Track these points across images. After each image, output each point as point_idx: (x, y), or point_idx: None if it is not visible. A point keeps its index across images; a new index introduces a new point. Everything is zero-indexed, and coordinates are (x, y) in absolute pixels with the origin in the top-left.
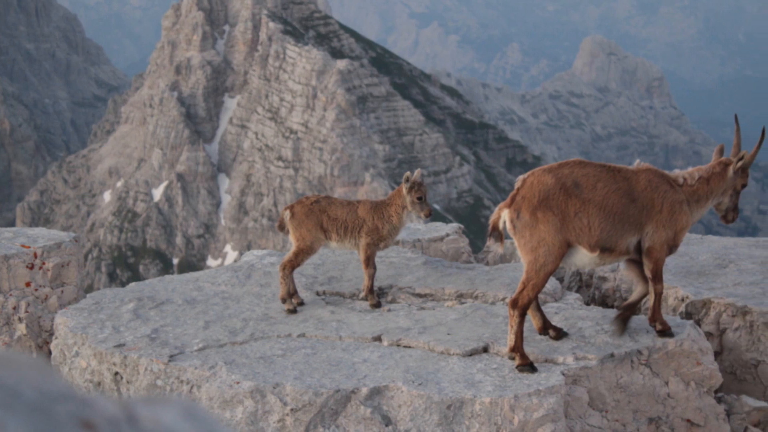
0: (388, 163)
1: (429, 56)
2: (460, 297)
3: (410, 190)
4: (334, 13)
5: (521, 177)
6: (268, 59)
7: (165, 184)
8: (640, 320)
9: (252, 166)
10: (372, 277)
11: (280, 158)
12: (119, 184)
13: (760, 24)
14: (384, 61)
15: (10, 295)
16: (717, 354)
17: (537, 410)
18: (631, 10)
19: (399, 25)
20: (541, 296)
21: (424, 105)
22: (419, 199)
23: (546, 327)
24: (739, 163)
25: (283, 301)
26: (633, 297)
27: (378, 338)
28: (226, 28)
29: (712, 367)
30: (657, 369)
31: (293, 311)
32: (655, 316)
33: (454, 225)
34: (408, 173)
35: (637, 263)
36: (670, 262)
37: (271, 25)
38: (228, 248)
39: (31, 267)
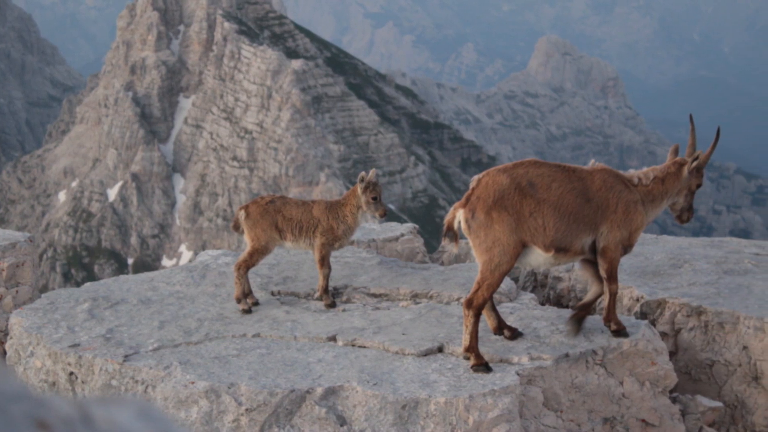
0: (343, 163)
1: (384, 56)
2: (414, 297)
3: (365, 190)
4: (289, 13)
5: (476, 177)
6: (223, 59)
7: (120, 184)
8: (595, 320)
9: (207, 166)
10: (327, 277)
11: (235, 158)
12: (74, 184)
13: (714, 24)
14: (339, 61)
15: None
16: (672, 354)
17: (492, 410)
18: (586, 10)
19: (354, 25)
20: (496, 296)
21: (379, 105)
22: (374, 199)
23: (501, 327)
24: (694, 163)
25: (238, 301)
26: (588, 297)
27: (333, 338)
28: (181, 28)
29: (667, 367)
30: (612, 369)
31: (248, 311)
32: (610, 316)
33: (409, 225)
34: (363, 173)
35: (592, 263)
36: (625, 262)
37: (226, 25)
38: (183, 248)
39: None
